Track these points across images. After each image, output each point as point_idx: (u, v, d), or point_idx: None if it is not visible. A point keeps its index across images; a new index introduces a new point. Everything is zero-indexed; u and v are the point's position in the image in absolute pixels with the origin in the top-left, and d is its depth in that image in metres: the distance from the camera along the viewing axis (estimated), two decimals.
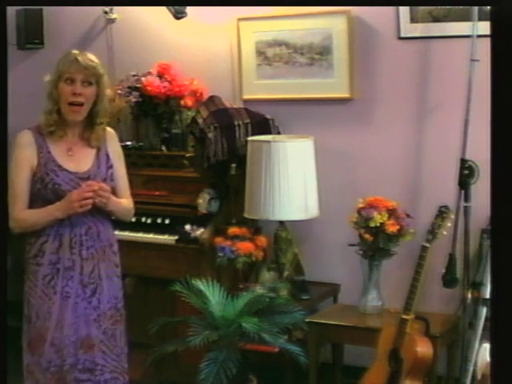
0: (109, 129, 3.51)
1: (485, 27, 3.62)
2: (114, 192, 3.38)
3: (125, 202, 3.46)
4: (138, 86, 4.77)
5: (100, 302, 3.34)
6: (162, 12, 4.72)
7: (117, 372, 3.39)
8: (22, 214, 3.30)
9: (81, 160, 3.35)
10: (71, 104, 3.27)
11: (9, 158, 3.35)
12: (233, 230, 4.26)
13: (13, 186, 3.30)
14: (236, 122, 4.47)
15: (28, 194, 3.30)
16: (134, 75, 4.82)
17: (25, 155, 3.30)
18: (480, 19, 3.80)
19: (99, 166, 3.37)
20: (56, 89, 3.28)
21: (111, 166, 3.41)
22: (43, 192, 3.28)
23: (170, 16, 4.67)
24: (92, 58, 3.33)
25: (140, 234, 4.48)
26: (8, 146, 3.40)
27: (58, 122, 3.30)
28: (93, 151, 3.39)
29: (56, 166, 3.29)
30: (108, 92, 3.38)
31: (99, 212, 3.34)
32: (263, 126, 4.51)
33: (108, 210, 3.35)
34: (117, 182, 3.42)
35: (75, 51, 3.33)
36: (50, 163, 3.29)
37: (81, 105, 3.28)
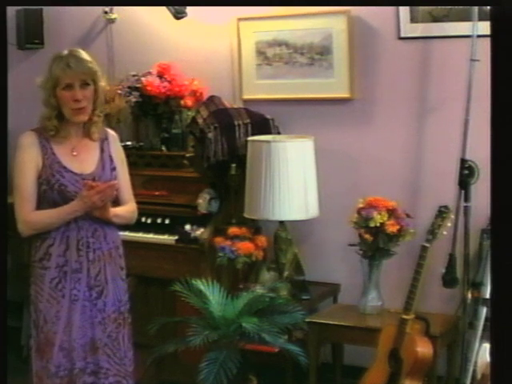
0: (111, 131, 3.50)
1: (485, 27, 3.62)
2: (117, 195, 3.36)
3: (124, 209, 3.43)
4: (138, 86, 4.77)
5: (105, 305, 3.32)
6: (162, 12, 4.72)
7: (120, 375, 3.37)
8: (34, 216, 3.26)
9: (85, 160, 3.33)
10: (74, 109, 3.25)
11: (9, 158, 3.35)
12: (233, 230, 4.26)
13: (19, 188, 3.26)
14: (236, 122, 4.47)
15: (35, 196, 3.26)
16: (134, 75, 4.82)
17: (29, 156, 3.26)
18: (480, 19, 3.81)
19: (103, 167, 3.36)
20: (54, 96, 3.23)
21: (114, 168, 3.39)
22: (49, 194, 3.25)
23: (170, 16, 4.67)
24: (83, 56, 3.27)
25: (140, 234, 4.48)
26: (8, 146, 3.40)
27: (58, 127, 3.28)
28: (97, 152, 3.37)
29: (61, 168, 3.27)
30: (103, 84, 3.33)
31: None
32: (263, 126, 4.51)
33: (107, 219, 3.32)
34: (120, 185, 3.39)
35: (65, 53, 3.26)
36: (55, 164, 3.26)
37: (84, 107, 3.27)
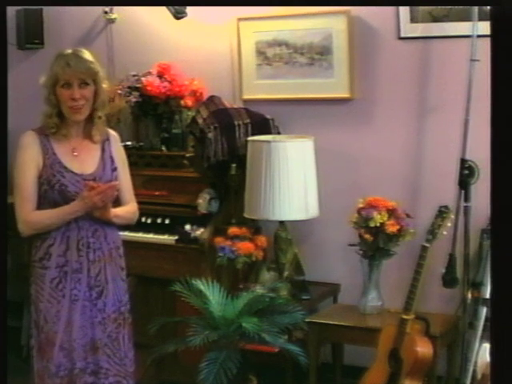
0: (112, 131, 3.50)
1: (485, 27, 3.62)
2: (118, 195, 3.36)
3: (124, 210, 3.42)
4: (138, 86, 4.77)
5: (105, 305, 3.32)
6: (162, 12, 4.72)
7: (120, 376, 3.37)
8: (34, 216, 3.27)
9: (85, 161, 3.33)
10: (72, 107, 3.26)
11: (9, 158, 3.34)
12: (233, 230, 4.26)
13: (20, 187, 3.27)
14: (236, 122, 4.47)
15: (36, 196, 3.26)
16: (134, 75, 4.82)
17: (30, 156, 3.26)
18: (480, 19, 3.81)
19: (104, 168, 3.36)
20: (54, 94, 3.24)
21: (115, 169, 3.39)
22: (50, 193, 3.25)
23: (170, 16, 4.67)
24: (85, 56, 3.27)
25: (140, 234, 4.47)
26: (8, 145, 3.40)
27: (58, 125, 3.29)
28: (97, 152, 3.37)
29: (62, 168, 3.27)
30: (105, 86, 3.34)
31: None
32: (263, 126, 4.51)
33: (107, 219, 3.32)
34: (121, 186, 3.39)
35: (67, 52, 3.27)
36: (56, 164, 3.27)
37: (81, 107, 3.27)
